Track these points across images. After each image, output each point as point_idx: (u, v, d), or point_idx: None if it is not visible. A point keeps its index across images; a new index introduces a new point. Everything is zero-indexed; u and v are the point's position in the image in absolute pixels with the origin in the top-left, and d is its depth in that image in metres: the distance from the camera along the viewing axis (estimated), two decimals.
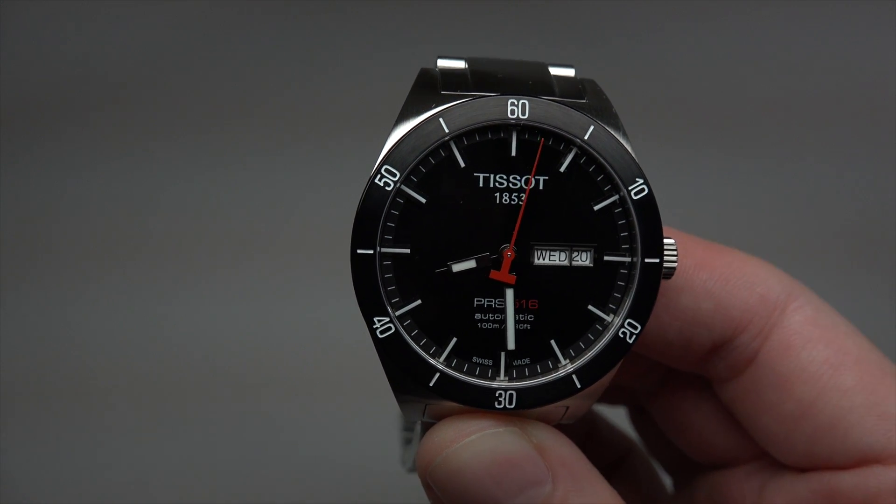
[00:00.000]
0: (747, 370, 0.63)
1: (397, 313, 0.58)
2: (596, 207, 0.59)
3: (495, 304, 0.59)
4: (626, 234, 0.59)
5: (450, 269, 0.58)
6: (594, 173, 0.59)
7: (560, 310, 0.59)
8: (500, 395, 0.58)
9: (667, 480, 0.80)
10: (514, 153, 0.58)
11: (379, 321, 0.57)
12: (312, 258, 1.21)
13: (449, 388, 0.58)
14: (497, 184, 0.58)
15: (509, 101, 0.58)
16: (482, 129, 0.58)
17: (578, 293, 0.59)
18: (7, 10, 1.22)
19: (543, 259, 0.59)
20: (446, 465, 0.57)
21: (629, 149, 0.59)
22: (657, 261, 0.58)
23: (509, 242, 0.58)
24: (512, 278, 0.58)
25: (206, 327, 1.22)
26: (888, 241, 1.23)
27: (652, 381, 0.71)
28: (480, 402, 0.58)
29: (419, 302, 0.58)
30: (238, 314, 1.22)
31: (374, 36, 1.23)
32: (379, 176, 0.57)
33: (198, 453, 1.20)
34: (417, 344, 0.58)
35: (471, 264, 0.58)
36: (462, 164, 0.58)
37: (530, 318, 0.59)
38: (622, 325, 0.58)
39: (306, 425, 1.20)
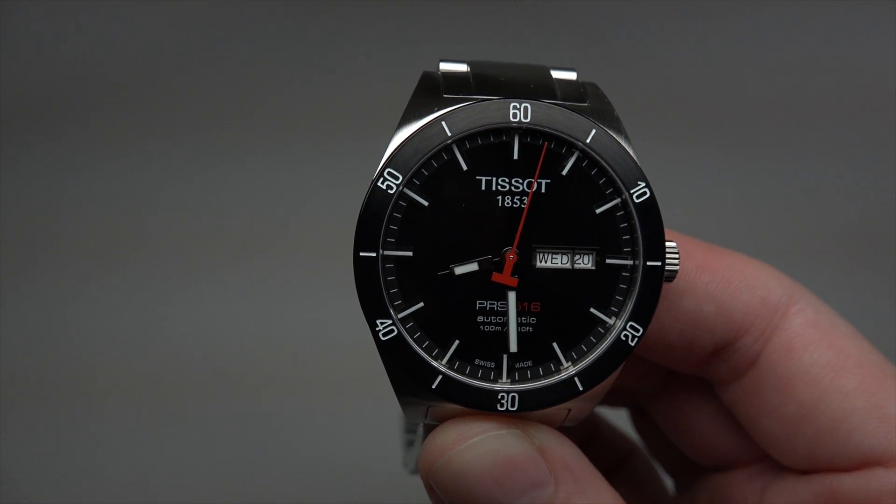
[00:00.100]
0: (749, 373, 0.63)
1: (400, 316, 0.58)
2: (598, 210, 0.59)
3: (497, 306, 0.59)
4: (627, 237, 0.59)
5: (452, 272, 0.58)
6: (596, 176, 0.59)
7: (562, 312, 0.59)
8: (503, 397, 0.58)
9: (668, 482, 0.80)
10: (516, 156, 0.58)
11: (381, 324, 0.57)
12: (313, 258, 1.21)
13: (451, 390, 0.58)
14: (499, 187, 0.58)
15: (511, 105, 0.58)
16: (484, 133, 0.58)
17: (580, 296, 0.59)
18: (7, 10, 1.22)
19: (545, 262, 0.59)
20: (449, 467, 0.57)
21: (631, 152, 0.59)
22: (659, 264, 0.59)
23: (511, 245, 0.58)
24: (514, 281, 0.58)
25: (207, 327, 1.22)
26: (888, 241, 1.23)
27: (653, 384, 0.71)
28: (483, 405, 0.58)
29: (421, 304, 0.58)
30: (239, 314, 1.23)
31: (376, 36, 1.23)
32: (381, 179, 0.58)
33: (198, 453, 1.20)
34: (420, 346, 0.58)
35: (473, 267, 0.58)
36: (464, 168, 0.58)
37: (532, 320, 0.59)
38: (624, 328, 0.59)
39: (307, 426, 1.20)
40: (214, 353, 1.22)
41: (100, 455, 1.20)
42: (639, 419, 0.79)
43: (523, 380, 0.59)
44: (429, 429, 0.60)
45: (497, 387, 0.58)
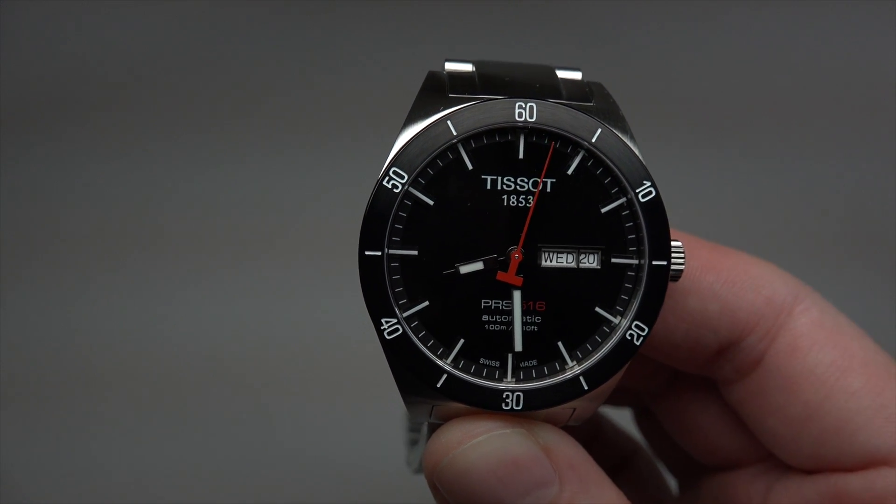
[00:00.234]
0: (754, 372, 0.63)
1: (405, 315, 0.58)
2: (603, 210, 0.59)
3: (503, 305, 0.59)
4: (633, 236, 0.59)
5: (457, 271, 0.58)
6: (601, 176, 0.59)
7: (567, 312, 0.59)
8: (508, 396, 0.58)
9: (672, 482, 0.80)
10: (521, 156, 0.59)
11: (387, 322, 0.57)
12: (316, 257, 1.21)
13: (456, 389, 0.58)
14: (504, 186, 0.58)
15: (517, 104, 0.58)
16: (490, 132, 0.58)
17: (586, 295, 0.59)
18: (7, 10, 1.22)
19: (551, 261, 0.59)
20: (453, 466, 0.57)
21: (636, 151, 0.59)
22: (665, 263, 0.59)
23: (516, 244, 0.58)
24: (519, 280, 0.58)
25: (208, 326, 1.22)
26: (890, 240, 1.23)
27: (658, 383, 0.72)
28: (487, 404, 0.58)
29: (427, 303, 0.58)
30: (240, 313, 1.22)
31: (380, 36, 1.23)
32: (387, 178, 0.58)
33: (199, 453, 1.20)
34: (425, 345, 0.58)
35: (478, 266, 0.58)
36: (470, 167, 0.58)
37: (537, 319, 0.59)
38: (629, 327, 0.59)
39: (310, 425, 1.20)
40: (215, 352, 1.22)
41: (100, 454, 1.20)
42: (643, 419, 0.79)
43: (528, 379, 0.59)
44: (433, 428, 0.60)
45: (502, 386, 0.58)
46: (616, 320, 0.59)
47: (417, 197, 0.58)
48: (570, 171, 0.59)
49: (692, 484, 0.74)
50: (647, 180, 0.59)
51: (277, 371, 1.21)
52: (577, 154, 0.59)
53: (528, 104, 0.58)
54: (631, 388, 0.73)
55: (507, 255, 0.58)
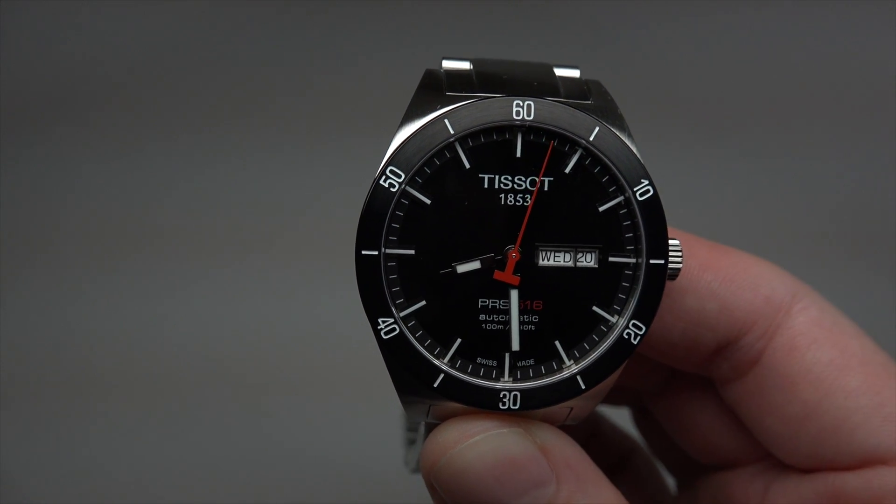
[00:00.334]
0: (752, 371, 0.63)
1: (402, 314, 0.58)
2: (601, 208, 0.59)
3: (500, 305, 0.59)
4: (630, 235, 0.59)
5: (454, 270, 0.58)
6: (599, 174, 0.59)
7: (564, 311, 0.59)
8: (505, 395, 0.58)
9: (670, 481, 0.80)
10: (519, 154, 0.58)
11: (383, 322, 0.57)
12: (315, 256, 1.21)
13: (453, 388, 0.58)
14: (502, 185, 0.58)
15: (514, 103, 0.58)
16: (487, 131, 0.58)
17: (583, 294, 0.59)
18: (7, 10, 1.22)
19: (548, 260, 0.59)
20: (450, 465, 0.57)
21: (634, 150, 0.59)
22: (662, 262, 0.58)
23: (514, 243, 0.58)
24: (516, 279, 0.58)
25: (208, 326, 1.22)
26: (890, 240, 1.23)
27: (656, 382, 0.71)
28: (484, 403, 0.58)
29: (423, 303, 0.58)
30: (240, 312, 1.22)
31: (378, 34, 1.23)
32: (384, 177, 0.57)
33: (199, 452, 1.20)
34: (422, 345, 0.58)
35: (475, 265, 0.58)
36: (467, 166, 0.58)
37: (535, 318, 0.59)
38: (626, 326, 0.58)
39: (308, 424, 1.20)
40: (215, 351, 1.22)
41: (100, 454, 1.20)
42: (641, 418, 0.78)
43: (525, 378, 0.59)
44: (430, 427, 0.60)
45: (499, 385, 0.58)
46: (613, 319, 0.59)
47: (414, 196, 0.58)
48: (567, 170, 0.59)
49: (690, 483, 0.74)
50: (645, 179, 0.59)
51: (276, 371, 1.21)
52: (574, 152, 0.59)
53: (526, 102, 0.58)
54: (629, 387, 0.72)
55: (504, 255, 0.58)
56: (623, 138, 0.59)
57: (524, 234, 0.58)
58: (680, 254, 0.59)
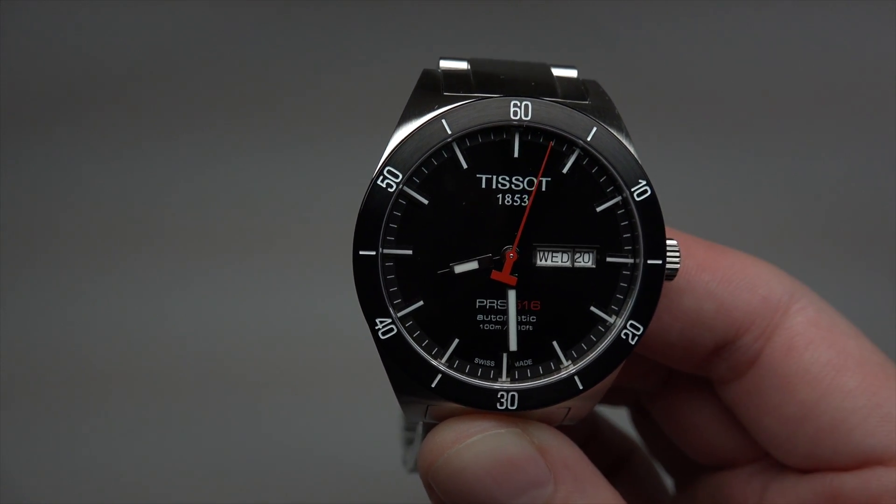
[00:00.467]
0: (749, 371, 0.63)
1: (399, 314, 0.58)
2: (598, 209, 0.59)
3: (497, 305, 0.59)
4: (628, 235, 0.59)
5: (452, 271, 0.58)
6: (597, 175, 0.59)
7: (562, 311, 0.59)
8: (502, 396, 0.58)
9: (668, 481, 0.80)
10: (516, 154, 0.58)
11: (381, 322, 0.57)
12: (315, 255, 1.21)
13: (451, 389, 0.58)
14: (499, 185, 0.58)
15: (512, 103, 0.58)
16: (485, 131, 0.58)
17: (580, 294, 0.59)
18: (7, 10, 1.22)
19: (545, 260, 0.59)
20: (448, 466, 0.57)
21: (632, 150, 0.59)
22: (660, 262, 0.58)
23: (511, 243, 0.58)
24: (513, 279, 0.58)
25: (207, 325, 1.22)
26: (890, 240, 1.23)
27: (654, 382, 0.71)
28: (482, 404, 0.58)
29: (421, 303, 0.58)
30: (239, 311, 1.23)
31: (375, 34, 1.23)
32: (381, 177, 0.57)
33: (198, 452, 1.20)
34: (419, 345, 0.58)
35: (473, 265, 0.58)
36: (464, 166, 0.58)
37: (532, 319, 0.59)
38: (624, 327, 0.58)
39: (306, 424, 1.20)
40: (214, 351, 1.22)
41: (100, 453, 1.20)
42: (639, 418, 0.78)
43: (523, 378, 0.59)
44: (428, 427, 0.60)
45: (497, 385, 0.58)
46: (611, 319, 0.59)
47: (412, 196, 0.58)
48: (565, 170, 0.59)
49: (689, 483, 0.74)
50: (642, 179, 0.59)
51: (274, 370, 1.22)
52: (572, 153, 0.59)
53: (524, 102, 0.58)
54: (627, 387, 0.72)
55: (501, 255, 0.58)
56: (620, 138, 0.59)
57: (522, 234, 0.58)
58: (678, 254, 0.59)
